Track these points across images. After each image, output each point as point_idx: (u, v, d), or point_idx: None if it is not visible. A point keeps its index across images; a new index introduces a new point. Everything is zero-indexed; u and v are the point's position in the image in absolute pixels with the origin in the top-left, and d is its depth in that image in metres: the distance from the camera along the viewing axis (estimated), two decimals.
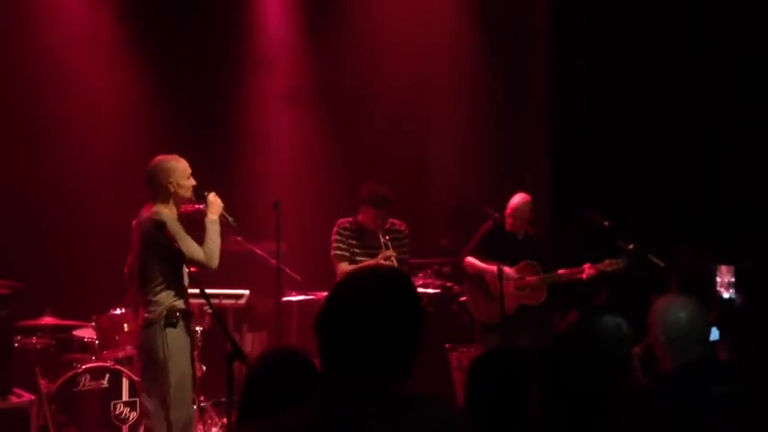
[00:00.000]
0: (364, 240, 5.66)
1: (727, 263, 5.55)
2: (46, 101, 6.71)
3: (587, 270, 5.95)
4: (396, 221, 5.75)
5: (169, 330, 4.47)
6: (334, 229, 5.69)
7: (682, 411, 3.00)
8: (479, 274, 6.08)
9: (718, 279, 5.51)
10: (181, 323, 4.52)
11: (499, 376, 2.67)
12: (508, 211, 6.08)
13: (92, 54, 6.99)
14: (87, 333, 5.88)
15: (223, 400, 5.28)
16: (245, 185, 6.86)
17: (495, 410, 2.62)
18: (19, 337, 5.63)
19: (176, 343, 4.48)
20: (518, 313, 5.96)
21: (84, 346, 5.83)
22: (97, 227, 6.53)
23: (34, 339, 5.72)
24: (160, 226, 4.38)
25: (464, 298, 6.47)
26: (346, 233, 5.66)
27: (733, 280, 5.49)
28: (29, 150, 6.64)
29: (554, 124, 7.57)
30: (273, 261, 5.69)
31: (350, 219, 5.70)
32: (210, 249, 4.55)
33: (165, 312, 4.47)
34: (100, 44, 7.04)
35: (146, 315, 4.51)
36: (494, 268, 5.79)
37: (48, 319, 5.81)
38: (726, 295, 5.52)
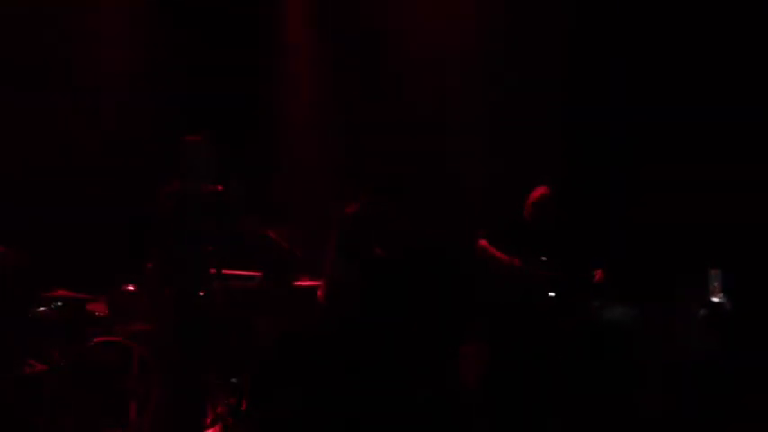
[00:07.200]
0: None
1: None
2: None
3: None
4: None
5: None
6: None
7: None
8: None
9: (709, 285, 5.58)
10: (199, 298, 4.54)
11: None
12: (528, 202, 6.09)
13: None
14: (100, 307, 5.94)
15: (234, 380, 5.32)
16: None
17: None
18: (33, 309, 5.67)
19: (195, 316, 4.50)
20: None
21: (97, 320, 5.87)
22: (115, 201, 6.58)
23: (48, 312, 5.76)
24: (173, 199, 4.45)
25: None
26: None
27: (716, 284, 5.56)
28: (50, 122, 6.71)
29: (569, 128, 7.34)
30: None
31: None
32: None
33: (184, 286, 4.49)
34: None
35: (168, 288, 4.53)
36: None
37: (61, 292, 5.84)
38: (715, 299, 5.58)
